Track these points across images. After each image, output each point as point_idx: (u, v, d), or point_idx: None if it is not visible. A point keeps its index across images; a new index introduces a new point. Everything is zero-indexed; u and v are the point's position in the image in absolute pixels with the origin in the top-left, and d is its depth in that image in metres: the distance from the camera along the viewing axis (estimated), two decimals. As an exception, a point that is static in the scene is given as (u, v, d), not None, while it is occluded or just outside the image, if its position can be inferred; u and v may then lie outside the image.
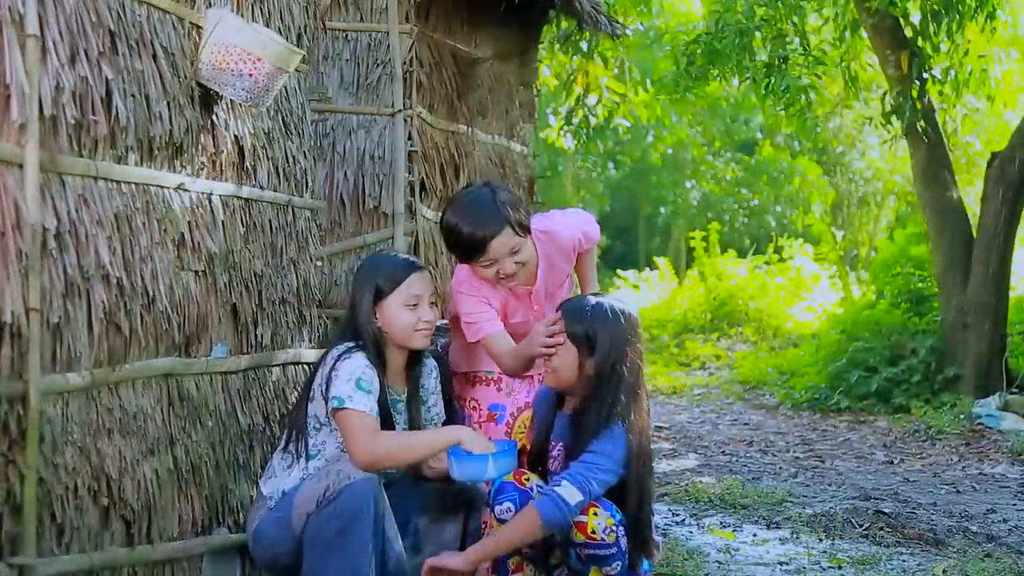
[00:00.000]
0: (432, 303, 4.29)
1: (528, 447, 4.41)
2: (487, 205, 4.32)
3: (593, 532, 3.95)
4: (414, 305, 4.22)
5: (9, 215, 3.32)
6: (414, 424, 4.34)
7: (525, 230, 4.39)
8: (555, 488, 3.91)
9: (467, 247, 4.35)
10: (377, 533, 3.94)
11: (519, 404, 4.70)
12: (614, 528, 3.98)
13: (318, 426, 4.12)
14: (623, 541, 4.01)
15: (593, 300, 4.19)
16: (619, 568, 4.03)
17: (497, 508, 4.10)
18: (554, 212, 4.86)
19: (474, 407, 4.70)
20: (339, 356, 4.09)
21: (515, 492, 4.10)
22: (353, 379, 4.02)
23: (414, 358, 4.38)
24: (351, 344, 4.15)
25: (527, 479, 4.13)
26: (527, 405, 4.68)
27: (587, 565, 4.03)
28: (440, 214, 4.54)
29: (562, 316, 4.18)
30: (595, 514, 3.97)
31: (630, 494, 4.07)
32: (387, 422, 4.16)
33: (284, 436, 4.20)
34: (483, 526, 4.44)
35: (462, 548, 4.27)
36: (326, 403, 4.05)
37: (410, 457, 4.10)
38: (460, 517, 4.32)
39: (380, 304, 4.22)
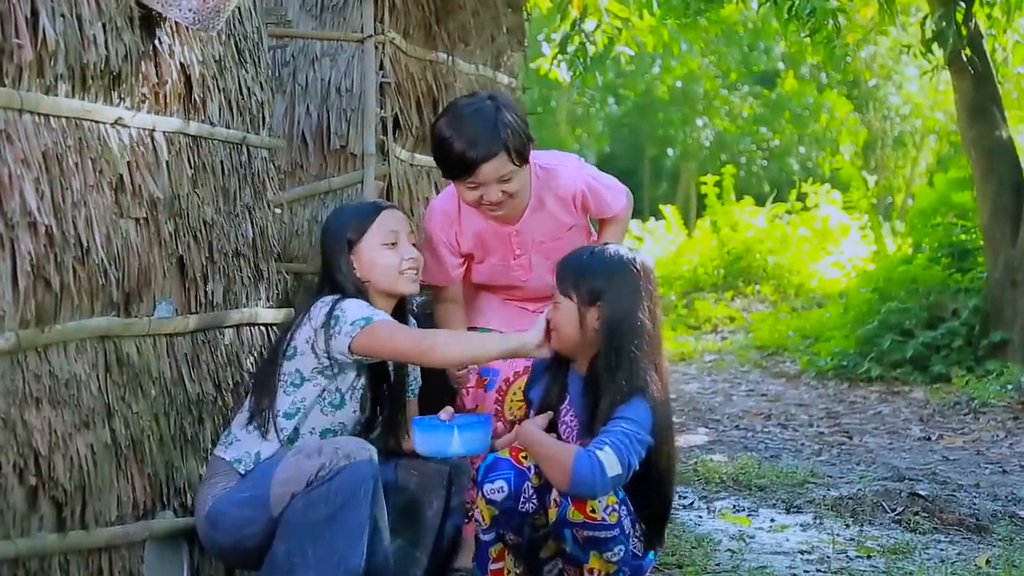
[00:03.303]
0: (413, 243, 4.32)
1: (520, 419, 4.43)
2: (487, 124, 4.33)
3: (592, 511, 3.95)
4: (392, 244, 4.25)
5: (-79, 153, 3.31)
6: (399, 387, 4.37)
7: (523, 159, 4.39)
8: (597, 451, 3.90)
9: (455, 165, 4.37)
10: (369, 523, 3.96)
11: (516, 368, 4.72)
12: (616, 507, 3.98)
13: (298, 382, 4.17)
14: (626, 522, 4.02)
15: (594, 248, 4.23)
16: (622, 553, 4.03)
17: (487, 487, 4.10)
18: (574, 157, 4.83)
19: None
20: (335, 302, 4.16)
21: (510, 471, 4.11)
22: (364, 305, 4.14)
23: (398, 314, 4.39)
24: (336, 296, 4.21)
25: (526, 457, 4.14)
26: (525, 370, 4.69)
27: (585, 551, 4.04)
28: (433, 122, 4.55)
29: (556, 270, 4.21)
30: None
31: (656, 468, 4.09)
32: (380, 378, 4.25)
33: (250, 399, 4.22)
34: (467, 504, 4.46)
35: (441, 528, 4.30)
36: (319, 357, 4.12)
37: (470, 351, 4.18)
38: (442, 494, 4.33)
39: (354, 252, 4.25)
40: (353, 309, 4.10)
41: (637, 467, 3.97)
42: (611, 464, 3.88)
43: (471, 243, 4.64)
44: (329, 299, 4.18)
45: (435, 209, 4.68)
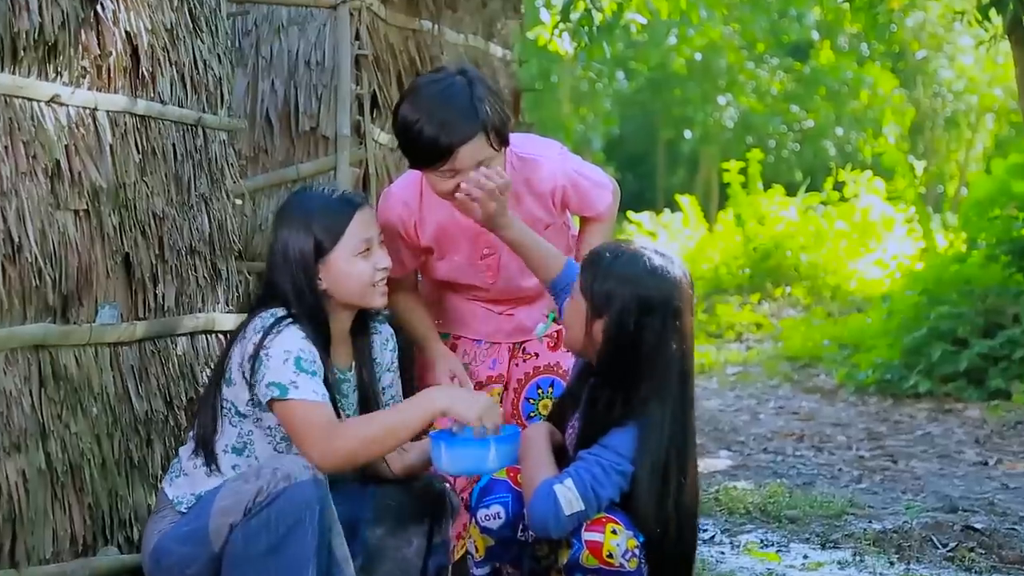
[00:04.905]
0: (382, 242, 4.27)
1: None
2: (461, 102, 4.26)
3: (610, 556, 3.94)
4: (366, 251, 4.21)
5: None
6: (366, 407, 4.33)
7: (502, 140, 4.35)
8: (555, 486, 3.91)
9: (426, 153, 4.29)
10: (321, 552, 3.95)
11: (480, 378, 4.72)
12: (636, 552, 3.97)
13: (240, 416, 4.13)
14: (644, 569, 4.01)
15: (623, 249, 4.16)
16: None
17: (482, 512, 4.09)
18: (555, 145, 4.78)
19: (422, 378, 4.72)
20: (267, 331, 4.05)
21: (508, 494, 4.09)
22: (291, 359, 3.99)
23: (360, 323, 4.37)
24: (280, 313, 4.11)
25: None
26: (490, 379, 4.74)
27: None
28: (395, 105, 4.49)
29: (583, 260, 4.20)
30: (613, 532, 3.94)
31: (642, 506, 4.07)
32: (333, 408, 4.15)
33: (194, 428, 4.18)
34: (454, 537, 4.46)
35: (424, 567, 4.29)
36: (251, 389, 4.04)
37: (384, 447, 4.04)
38: (424, 527, 4.32)
39: (323, 261, 4.19)
40: (276, 363, 3.98)
41: (610, 496, 3.96)
42: (569, 501, 3.88)
43: (432, 237, 4.59)
44: (266, 321, 4.07)
45: (393, 196, 4.60)
